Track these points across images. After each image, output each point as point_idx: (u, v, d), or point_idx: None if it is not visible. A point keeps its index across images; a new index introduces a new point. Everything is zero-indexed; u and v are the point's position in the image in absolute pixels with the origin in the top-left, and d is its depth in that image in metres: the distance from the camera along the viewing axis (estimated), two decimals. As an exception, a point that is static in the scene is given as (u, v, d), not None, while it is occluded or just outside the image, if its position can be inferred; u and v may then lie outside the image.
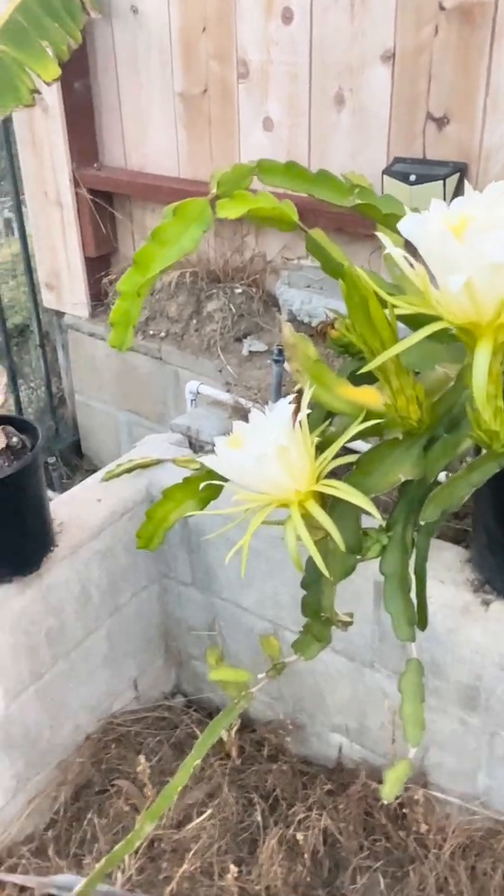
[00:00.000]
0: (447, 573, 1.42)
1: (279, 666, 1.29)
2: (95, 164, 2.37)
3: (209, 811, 1.61)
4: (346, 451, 1.11)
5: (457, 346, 1.02)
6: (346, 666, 1.58)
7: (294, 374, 1.10)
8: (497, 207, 0.83)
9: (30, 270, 2.58)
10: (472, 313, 0.84)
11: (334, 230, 1.83)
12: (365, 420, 1.04)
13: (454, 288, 0.79)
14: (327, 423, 1.14)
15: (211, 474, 1.06)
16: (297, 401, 1.03)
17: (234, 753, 1.72)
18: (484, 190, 0.86)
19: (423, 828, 1.52)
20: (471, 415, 0.93)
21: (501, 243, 0.78)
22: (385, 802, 1.20)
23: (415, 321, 0.94)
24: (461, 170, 1.67)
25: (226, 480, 1.07)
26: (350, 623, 1.17)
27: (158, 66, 2.11)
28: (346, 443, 1.04)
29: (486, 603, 1.37)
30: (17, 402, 2.66)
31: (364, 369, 0.97)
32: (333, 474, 1.07)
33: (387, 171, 1.72)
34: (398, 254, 0.84)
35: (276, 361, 1.86)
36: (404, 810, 1.55)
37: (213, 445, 1.03)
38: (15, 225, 2.61)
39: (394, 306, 0.91)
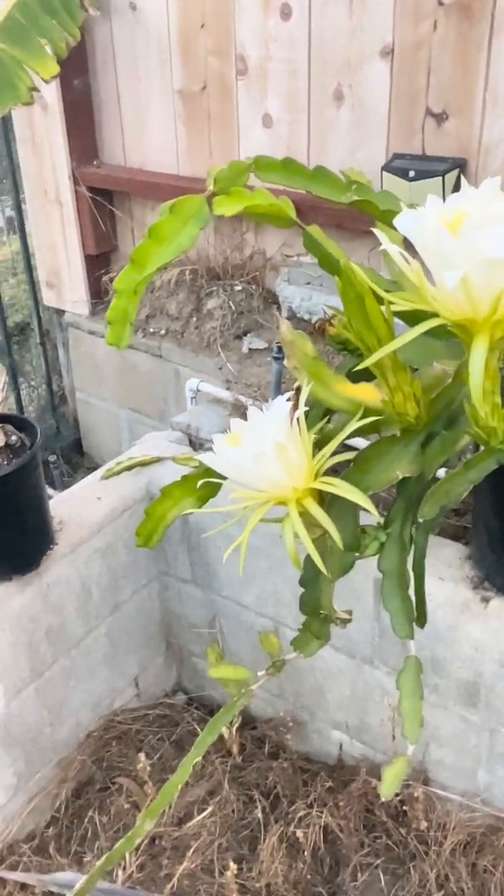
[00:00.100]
0: (447, 570, 1.42)
1: (279, 663, 1.30)
2: (95, 162, 2.36)
3: (210, 808, 1.62)
4: (345, 447, 1.11)
5: (455, 343, 1.01)
6: (346, 663, 1.58)
7: (292, 371, 1.10)
8: (493, 203, 0.83)
9: (30, 268, 2.58)
10: (468, 309, 0.83)
11: (334, 226, 1.83)
12: (363, 417, 1.04)
13: (450, 284, 0.79)
14: (325, 420, 1.14)
15: (209, 472, 1.06)
16: (296, 398, 1.03)
17: (234, 750, 1.72)
18: (480, 185, 0.85)
19: (424, 825, 1.52)
20: (468, 411, 0.93)
21: (497, 239, 0.77)
22: (384, 800, 1.20)
23: (413, 318, 0.94)
24: (460, 165, 1.67)
25: (224, 478, 1.07)
26: (349, 620, 1.17)
27: (157, 63, 2.11)
28: (344, 440, 1.04)
29: (486, 600, 1.36)
30: (18, 401, 2.66)
31: (360, 366, 0.96)
32: (333, 471, 1.07)
33: (386, 168, 1.72)
34: (394, 250, 0.83)
35: (276, 359, 1.86)
36: (405, 807, 1.55)
37: (213, 443, 1.03)
38: (16, 223, 2.60)
39: (390, 303, 0.91)
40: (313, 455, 1.05)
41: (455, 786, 1.52)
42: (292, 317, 2.03)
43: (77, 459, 2.82)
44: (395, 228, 0.87)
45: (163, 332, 2.29)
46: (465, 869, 1.46)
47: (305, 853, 1.53)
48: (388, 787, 1.01)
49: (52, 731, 1.64)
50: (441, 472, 1.14)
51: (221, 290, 2.19)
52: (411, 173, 1.66)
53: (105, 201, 2.39)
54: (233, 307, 2.16)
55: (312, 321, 1.97)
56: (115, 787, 1.68)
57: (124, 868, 1.52)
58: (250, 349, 2.12)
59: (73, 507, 1.67)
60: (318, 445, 1.07)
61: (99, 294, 2.51)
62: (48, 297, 2.62)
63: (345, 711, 1.64)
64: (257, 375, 2.05)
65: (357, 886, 1.50)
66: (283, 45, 1.85)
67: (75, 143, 2.30)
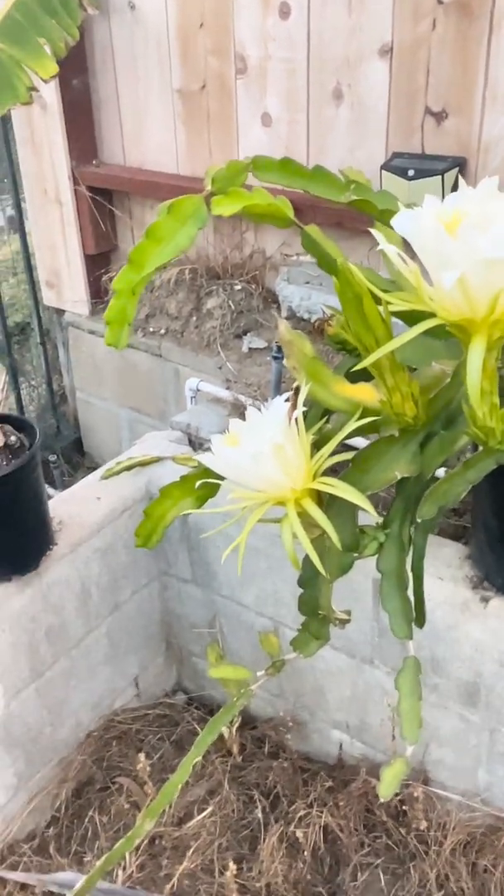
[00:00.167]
0: (446, 570, 1.42)
1: (278, 663, 1.29)
2: (94, 162, 2.36)
3: (210, 808, 1.62)
4: (345, 447, 1.11)
5: (454, 342, 1.01)
6: (346, 663, 1.58)
7: (291, 371, 1.10)
8: (491, 203, 0.83)
9: (30, 268, 2.58)
10: (465, 309, 0.83)
11: (333, 225, 1.83)
12: (361, 417, 1.03)
13: (447, 284, 0.79)
14: (324, 420, 1.13)
15: (208, 472, 1.05)
16: (294, 398, 1.03)
17: (234, 750, 1.72)
18: (478, 185, 0.85)
19: (424, 825, 1.52)
20: (466, 411, 0.92)
21: (495, 239, 0.77)
22: (383, 800, 1.20)
23: (411, 318, 0.94)
24: (460, 164, 1.66)
25: (223, 479, 1.07)
26: (347, 621, 1.17)
27: (156, 62, 2.11)
28: (344, 439, 1.04)
29: (486, 600, 1.36)
30: (19, 400, 2.66)
31: (358, 367, 0.96)
32: (333, 471, 1.07)
33: (385, 167, 1.71)
34: (391, 251, 0.83)
35: (276, 358, 1.86)
36: (405, 807, 1.55)
37: (212, 443, 1.03)
38: (16, 222, 2.60)
39: (388, 303, 0.90)
40: (312, 455, 1.05)
41: (455, 785, 1.52)
42: (292, 316, 2.03)
43: (77, 459, 2.82)
44: (393, 228, 0.86)
45: (163, 331, 2.28)
46: (465, 869, 1.46)
47: (305, 853, 1.53)
48: (386, 788, 1.01)
49: (53, 731, 1.64)
50: (440, 472, 1.13)
51: (221, 290, 2.19)
52: (411, 172, 1.66)
53: (105, 201, 2.38)
54: (232, 306, 2.16)
55: (312, 320, 1.96)
56: (115, 787, 1.68)
57: (124, 868, 1.52)
58: (250, 348, 2.12)
59: (73, 507, 1.67)
60: (317, 445, 1.07)
61: (99, 294, 2.51)
62: (48, 297, 2.62)
63: (345, 711, 1.64)
64: (257, 375, 2.04)
65: (357, 886, 1.50)
66: (282, 45, 1.85)
67: (75, 142, 2.30)
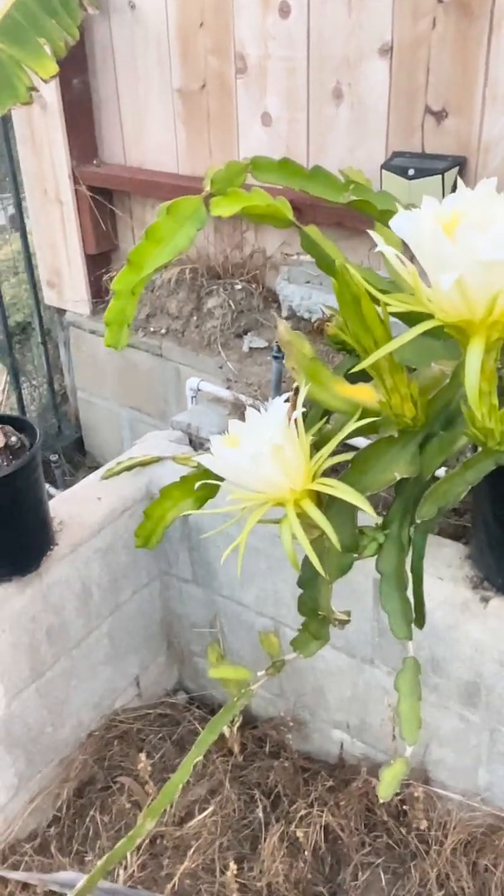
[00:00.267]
0: (446, 570, 1.42)
1: (279, 663, 1.30)
2: (95, 161, 2.36)
3: (211, 808, 1.62)
4: (346, 447, 1.11)
5: (453, 343, 1.01)
6: (346, 662, 1.58)
7: (291, 371, 1.10)
8: (489, 204, 0.83)
9: (31, 268, 2.58)
10: (464, 311, 0.83)
11: (333, 225, 1.83)
12: (361, 418, 1.03)
13: (445, 286, 0.79)
14: (324, 420, 1.13)
15: (207, 473, 1.06)
16: (293, 399, 1.03)
17: (235, 750, 1.73)
18: (476, 186, 0.85)
19: (424, 824, 1.52)
20: (465, 413, 0.92)
21: (493, 241, 0.77)
22: (383, 801, 1.20)
23: (410, 318, 0.94)
24: (460, 163, 1.66)
25: (222, 479, 1.07)
26: (347, 621, 1.17)
27: (156, 61, 2.10)
28: (345, 440, 1.04)
29: (486, 600, 1.36)
30: (20, 400, 2.66)
31: (356, 368, 0.96)
32: (333, 471, 1.07)
33: (385, 166, 1.71)
34: (390, 252, 0.83)
35: (276, 358, 1.85)
36: (405, 807, 1.55)
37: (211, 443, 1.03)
38: (17, 222, 2.60)
39: (386, 304, 0.90)
40: (311, 456, 1.05)
41: (455, 785, 1.52)
42: (292, 315, 2.03)
43: (79, 458, 2.82)
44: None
45: (163, 331, 2.28)
46: (465, 868, 1.46)
47: (306, 852, 1.53)
48: (386, 789, 1.01)
49: (54, 730, 1.64)
50: (440, 473, 1.13)
51: (222, 289, 2.19)
52: (411, 171, 1.65)
53: (105, 200, 2.38)
54: (233, 306, 2.16)
55: (312, 320, 1.96)
56: (116, 787, 1.69)
57: (125, 867, 1.53)
58: (250, 348, 2.12)
59: (74, 507, 1.67)
60: (317, 446, 1.07)
61: (100, 293, 2.51)
62: (49, 297, 2.62)
63: (345, 711, 1.64)
64: (258, 374, 2.04)
65: (358, 886, 1.50)
66: (282, 44, 1.85)
67: (75, 142, 2.30)
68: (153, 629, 1.89)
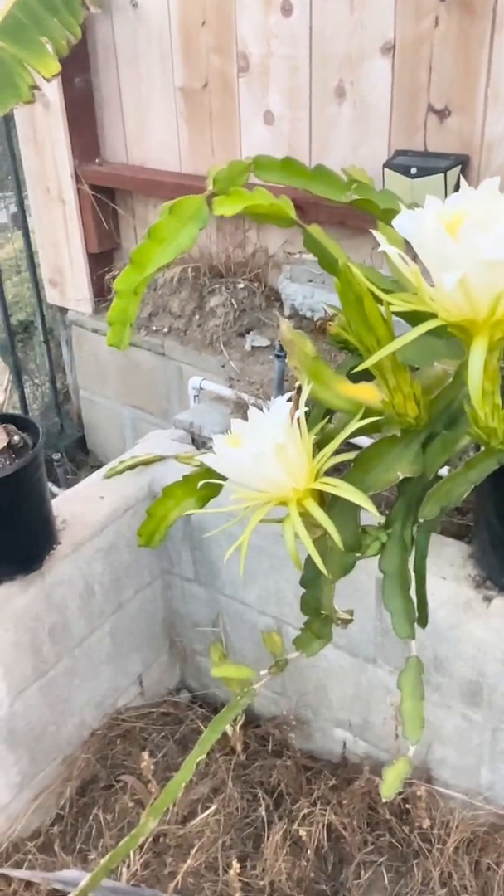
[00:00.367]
0: (449, 569, 1.42)
1: (281, 662, 1.30)
2: (97, 160, 2.36)
3: (214, 806, 1.62)
4: (348, 446, 1.11)
5: (456, 342, 1.01)
6: (348, 662, 1.58)
7: (293, 370, 1.10)
8: (492, 203, 0.83)
9: (33, 266, 2.58)
10: (467, 310, 0.83)
11: (336, 224, 1.83)
12: (363, 417, 1.03)
13: (449, 285, 0.79)
14: (326, 420, 1.13)
15: (210, 472, 1.06)
16: (296, 398, 1.03)
17: (238, 749, 1.73)
18: (480, 185, 0.85)
19: (427, 823, 1.52)
20: (468, 412, 0.92)
21: (496, 240, 0.77)
22: (385, 800, 1.20)
23: (413, 317, 0.94)
24: (463, 162, 1.66)
25: (225, 479, 1.07)
26: (350, 621, 1.17)
27: (158, 60, 2.10)
28: (348, 439, 1.04)
29: (488, 599, 1.36)
30: (22, 399, 2.66)
31: (359, 367, 0.96)
32: (336, 470, 1.07)
33: (388, 164, 1.71)
34: (392, 252, 0.83)
35: (279, 357, 1.85)
36: (408, 805, 1.55)
37: (215, 442, 1.03)
38: (19, 221, 2.61)
39: (389, 304, 0.90)
40: (314, 455, 1.05)
41: (458, 784, 1.52)
42: (294, 314, 2.03)
43: (81, 457, 2.82)
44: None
45: (166, 329, 2.28)
46: (468, 867, 1.46)
47: (309, 851, 1.53)
48: (389, 788, 1.01)
49: (56, 729, 1.65)
50: (442, 472, 1.13)
51: (224, 288, 2.19)
52: (413, 170, 1.65)
53: (107, 199, 2.38)
54: (235, 305, 2.16)
55: (314, 319, 1.96)
56: (119, 786, 1.69)
57: (128, 866, 1.53)
58: (253, 347, 2.12)
59: (76, 506, 1.68)
60: (319, 445, 1.07)
61: (102, 292, 2.51)
62: (51, 296, 2.63)
63: (348, 710, 1.64)
64: (260, 373, 2.04)
65: (360, 884, 1.50)
66: (285, 42, 1.84)
67: (77, 140, 2.30)
68: (155, 628, 1.89)
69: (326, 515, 1.02)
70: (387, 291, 0.92)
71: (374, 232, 0.89)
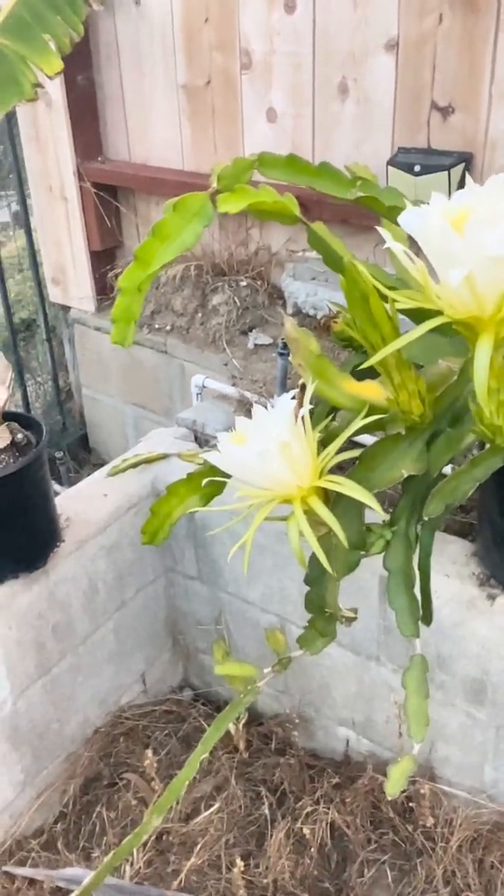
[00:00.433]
0: (453, 567, 1.42)
1: (285, 660, 1.30)
2: (99, 158, 2.36)
3: (217, 804, 1.62)
4: (352, 444, 1.11)
5: (460, 340, 1.01)
6: (351, 660, 1.58)
7: (297, 368, 1.10)
8: (497, 200, 0.82)
9: (35, 265, 2.58)
10: (473, 307, 0.83)
11: (339, 221, 1.82)
12: (367, 415, 1.03)
13: (454, 282, 0.79)
14: (330, 417, 1.13)
15: (214, 470, 1.06)
16: (300, 396, 1.03)
17: (241, 747, 1.73)
18: (485, 182, 0.85)
19: (430, 821, 1.52)
20: (473, 409, 0.92)
21: (503, 237, 0.77)
22: (390, 798, 1.20)
23: (418, 315, 0.94)
24: (466, 160, 1.65)
25: (229, 476, 1.07)
26: (354, 619, 1.17)
27: (161, 57, 2.10)
28: (352, 437, 1.04)
29: (492, 597, 1.36)
30: (25, 397, 2.66)
31: (364, 365, 0.96)
32: (340, 468, 1.07)
33: (391, 162, 1.71)
34: (398, 249, 0.83)
35: (281, 355, 1.85)
36: (411, 804, 1.55)
37: (218, 440, 1.03)
38: (21, 219, 2.60)
39: (394, 301, 0.90)
40: (318, 453, 1.05)
41: (461, 782, 1.52)
42: (297, 312, 2.03)
43: (83, 455, 2.82)
44: (400, 225, 0.86)
45: (168, 327, 2.28)
46: (471, 865, 1.46)
47: (312, 849, 1.53)
48: (393, 786, 1.01)
49: (60, 727, 1.65)
50: (447, 470, 1.13)
51: (226, 286, 2.18)
52: (417, 168, 1.65)
53: (110, 197, 2.38)
54: (238, 303, 2.16)
55: (318, 317, 1.96)
56: (122, 783, 1.69)
57: (132, 864, 1.53)
58: (256, 345, 2.12)
59: (80, 504, 1.68)
60: (324, 443, 1.07)
61: (104, 290, 2.50)
62: (54, 294, 2.62)
63: (351, 708, 1.64)
64: (263, 371, 2.04)
65: (364, 882, 1.50)
66: (288, 39, 1.84)
67: (80, 139, 2.30)
68: (158, 626, 1.89)
69: (331, 513, 1.02)
70: (391, 289, 0.92)
71: (380, 229, 0.89)
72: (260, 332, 2.14)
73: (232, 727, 1.70)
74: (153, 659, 1.89)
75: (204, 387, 2.10)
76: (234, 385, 2.06)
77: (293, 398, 1.03)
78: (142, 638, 1.83)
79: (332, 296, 1.89)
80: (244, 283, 2.17)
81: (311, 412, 1.06)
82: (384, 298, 0.92)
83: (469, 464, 1.01)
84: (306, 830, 1.54)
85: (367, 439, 1.43)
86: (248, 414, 1.04)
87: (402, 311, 1.00)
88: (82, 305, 2.54)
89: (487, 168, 1.65)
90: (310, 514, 1.03)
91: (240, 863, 1.44)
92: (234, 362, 2.09)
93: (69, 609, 1.60)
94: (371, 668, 1.55)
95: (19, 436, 1.47)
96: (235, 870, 1.43)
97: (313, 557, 1.08)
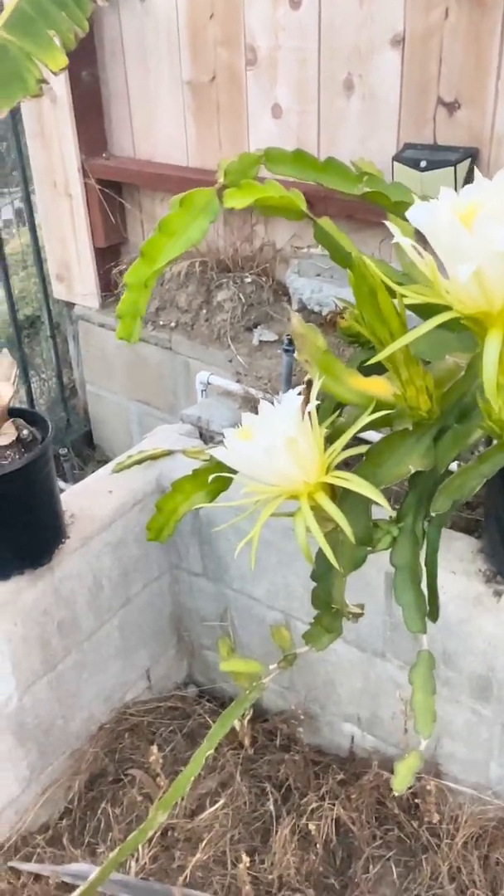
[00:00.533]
0: (459, 563, 1.42)
1: (290, 657, 1.30)
2: (104, 154, 2.36)
3: (222, 801, 1.62)
4: (358, 441, 1.10)
5: (468, 335, 1.01)
6: (357, 656, 1.58)
7: (304, 364, 1.09)
8: (507, 195, 0.82)
9: (40, 261, 2.58)
10: (481, 302, 0.83)
11: (344, 217, 1.82)
12: (375, 411, 1.03)
13: (463, 277, 0.78)
14: (337, 413, 1.13)
15: (220, 466, 1.05)
16: (306, 392, 1.03)
17: (246, 743, 1.73)
18: (494, 176, 0.84)
19: (436, 818, 1.52)
20: (481, 405, 0.92)
21: (511, 231, 0.76)
22: (396, 794, 1.20)
23: (425, 310, 0.93)
24: (472, 155, 1.65)
25: (235, 472, 1.07)
26: (361, 615, 1.17)
27: (166, 53, 2.10)
28: (358, 433, 1.03)
29: (498, 594, 1.36)
30: (29, 394, 2.66)
31: (372, 360, 0.96)
32: (345, 465, 1.07)
33: (397, 158, 1.70)
34: (406, 243, 0.83)
35: (287, 351, 1.85)
36: (417, 800, 1.55)
37: (224, 436, 1.03)
38: (25, 216, 2.60)
39: (403, 296, 0.90)
40: (325, 449, 1.05)
41: (467, 779, 1.52)
42: (302, 309, 2.02)
43: (88, 452, 2.82)
44: (407, 220, 0.86)
45: (173, 324, 2.28)
46: (476, 862, 1.46)
47: (317, 845, 1.54)
48: (401, 782, 1.01)
49: (65, 723, 1.65)
50: (454, 466, 1.13)
51: (231, 283, 2.18)
52: (423, 163, 1.64)
53: (114, 193, 2.38)
54: (243, 299, 2.16)
55: (323, 313, 1.96)
56: (127, 779, 1.69)
57: (137, 859, 1.53)
58: (260, 341, 2.11)
59: (85, 500, 1.67)
60: (330, 439, 1.06)
61: (109, 287, 2.50)
62: (58, 290, 2.62)
63: (356, 704, 1.64)
64: (268, 368, 2.04)
65: (369, 878, 1.50)
66: (293, 35, 1.84)
67: (84, 135, 2.30)
68: (163, 623, 1.89)
69: (338, 509, 1.01)
70: (399, 284, 0.92)
71: (388, 223, 0.89)
72: (265, 328, 2.14)
73: (237, 723, 1.70)
74: (158, 655, 1.89)
75: (209, 383, 2.10)
76: (238, 382, 2.06)
77: (299, 394, 1.02)
78: (147, 634, 1.83)
79: (338, 292, 1.89)
80: (249, 280, 2.17)
81: (318, 408, 1.05)
82: (392, 294, 0.92)
83: (476, 460, 1.01)
84: (311, 827, 1.54)
85: (373, 436, 1.43)
86: (253, 410, 1.04)
87: (409, 307, 0.99)
88: (86, 302, 2.54)
89: (494, 163, 1.65)
90: (316, 510, 1.03)
91: (245, 859, 1.44)
92: (239, 359, 2.09)
93: (74, 605, 1.60)
94: (377, 664, 1.55)
95: (24, 432, 1.47)
96: (241, 866, 1.43)
97: (320, 553, 1.07)
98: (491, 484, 1.28)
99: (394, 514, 1.11)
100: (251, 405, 1.96)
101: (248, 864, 1.43)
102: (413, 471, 1.04)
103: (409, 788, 1.51)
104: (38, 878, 1.52)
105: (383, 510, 1.04)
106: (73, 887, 1.49)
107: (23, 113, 2.37)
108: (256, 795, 1.65)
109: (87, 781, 1.70)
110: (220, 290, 2.20)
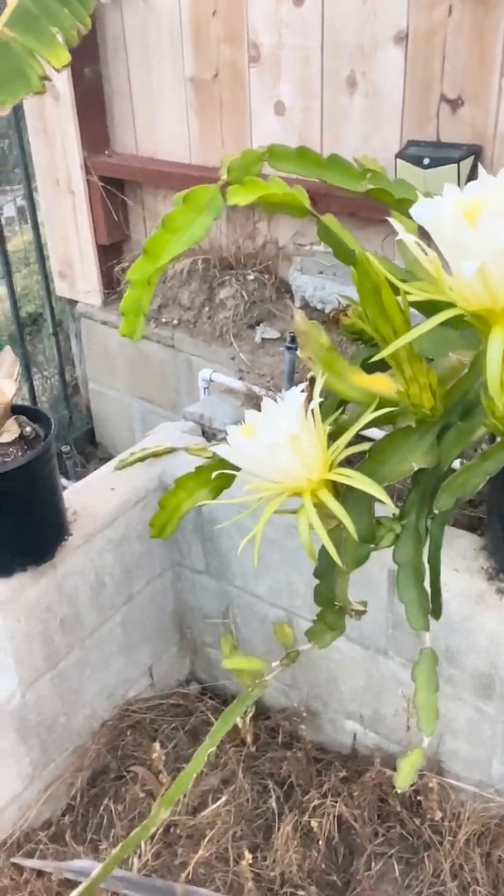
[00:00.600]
0: (462, 561, 1.41)
1: (293, 654, 1.30)
2: (107, 151, 2.35)
3: (224, 798, 1.62)
4: (361, 438, 1.11)
5: (471, 333, 1.01)
6: (360, 653, 1.58)
7: (307, 362, 1.09)
8: (511, 191, 0.82)
9: (42, 259, 2.58)
10: (486, 299, 0.83)
11: (347, 215, 1.81)
12: (378, 408, 1.03)
13: (467, 274, 0.78)
14: (340, 411, 1.13)
15: (223, 463, 1.06)
16: (310, 389, 1.03)
17: (248, 740, 1.73)
18: (498, 173, 0.84)
19: (438, 815, 1.52)
20: (485, 402, 0.92)
21: (516, 228, 0.76)
22: (399, 791, 1.20)
23: (428, 307, 0.93)
24: (476, 152, 1.65)
25: (238, 469, 1.07)
26: (364, 612, 1.17)
27: (169, 50, 2.09)
28: (360, 430, 1.03)
29: (501, 591, 1.36)
30: (31, 391, 2.66)
31: (376, 357, 0.96)
32: (349, 462, 1.07)
33: (400, 155, 1.70)
34: (410, 240, 0.83)
35: (289, 349, 1.85)
36: (419, 797, 1.56)
37: (226, 433, 1.03)
38: (27, 213, 2.60)
39: (406, 293, 0.90)
40: (328, 446, 1.05)
41: (469, 776, 1.52)
42: (305, 306, 2.02)
43: (90, 450, 2.82)
44: (410, 217, 0.86)
45: (175, 321, 2.28)
46: (479, 859, 1.46)
47: (320, 842, 1.54)
48: (403, 779, 1.01)
49: (68, 720, 1.65)
50: (457, 463, 1.13)
51: (234, 280, 2.18)
52: (426, 160, 1.64)
53: (117, 191, 2.38)
54: (245, 297, 2.15)
55: (326, 311, 1.96)
56: (130, 776, 1.69)
57: (140, 856, 1.53)
58: (263, 339, 2.11)
59: (88, 497, 1.68)
60: (333, 436, 1.06)
61: (111, 284, 2.50)
62: (61, 288, 2.62)
63: (359, 702, 1.64)
64: (270, 365, 2.04)
65: (371, 876, 1.50)
66: (296, 32, 1.83)
67: (87, 132, 2.29)
68: (166, 620, 1.89)
69: (341, 506, 1.01)
70: (402, 282, 0.92)
71: (392, 220, 0.89)
72: (267, 326, 2.14)
73: (239, 721, 1.70)
74: (160, 652, 1.89)
75: (211, 381, 2.10)
76: (241, 379, 2.06)
77: (303, 391, 1.02)
78: (149, 632, 1.83)
79: (341, 289, 1.89)
80: (251, 277, 2.17)
81: (321, 405, 1.05)
82: (396, 291, 0.92)
83: (479, 457, 1.01)
84: (314, 824, 1.54)
85: (376, 434, 1.43)
86: (256, 408, 1.04)
87: (413, 304, 0.99)
88: (89, 299, 2.54)
89: (497, 160, 1.64)
90: (319, 507, 1.03)
91: (247, 855, 1.44)
92: (242, 356, 2.09)
93: (77, 602, 1.60)
94: (380, 661, 1.55)
95: (27, 429, 1.47)
96: (243, 862, 1.43)
97: (323, 551, 1.07)
98: (494, 481, 1.28)
99: (397, 511, 1.11)
100: (254, 402, 1.96)
101: (250, 861, 1.44)
102: (416, 468, 1.05)
103: (412, 786, 1.52)
104: (40, 874, 1.52)
105: (386, 507, 1.04)
106: (75, 884, 1.49)
107: (25, 110, 2.37)
108: (259, 792, 1.65)
109: (89, 778, 1.70)
110: (223, 288, 2.19)
